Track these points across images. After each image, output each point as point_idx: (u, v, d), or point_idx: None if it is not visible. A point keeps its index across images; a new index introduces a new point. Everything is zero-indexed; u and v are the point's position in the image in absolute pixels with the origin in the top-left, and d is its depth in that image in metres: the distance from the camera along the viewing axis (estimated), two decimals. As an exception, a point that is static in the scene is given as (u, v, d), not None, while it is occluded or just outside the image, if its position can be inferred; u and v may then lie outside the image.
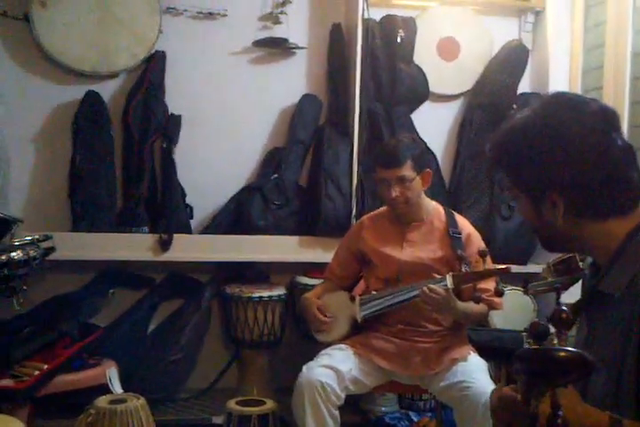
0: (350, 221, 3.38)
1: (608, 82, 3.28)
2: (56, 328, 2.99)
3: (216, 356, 3.59)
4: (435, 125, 3.75)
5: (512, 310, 3.17)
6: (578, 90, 3.55)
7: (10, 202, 3.38)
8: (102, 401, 2.53)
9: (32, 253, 2.54)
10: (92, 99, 3.40)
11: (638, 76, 3.17)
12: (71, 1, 3.34)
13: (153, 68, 3.44)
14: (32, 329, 2.93)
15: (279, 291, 3.41)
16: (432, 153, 3.53)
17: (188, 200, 3.49)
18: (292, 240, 3.45)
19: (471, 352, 2.58)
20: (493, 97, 3.67)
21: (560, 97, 1.31)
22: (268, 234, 3.43)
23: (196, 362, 3.48)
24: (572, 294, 1.59)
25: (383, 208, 2.77)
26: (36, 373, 2.78)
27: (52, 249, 2.75)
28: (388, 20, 3.58)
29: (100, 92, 3.43)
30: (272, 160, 3.61)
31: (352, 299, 2.67)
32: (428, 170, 2.63)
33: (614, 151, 1.25)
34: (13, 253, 2.45)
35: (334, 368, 2.46)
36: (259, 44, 3.57)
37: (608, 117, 1.27)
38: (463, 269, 2.40)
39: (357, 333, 2.66)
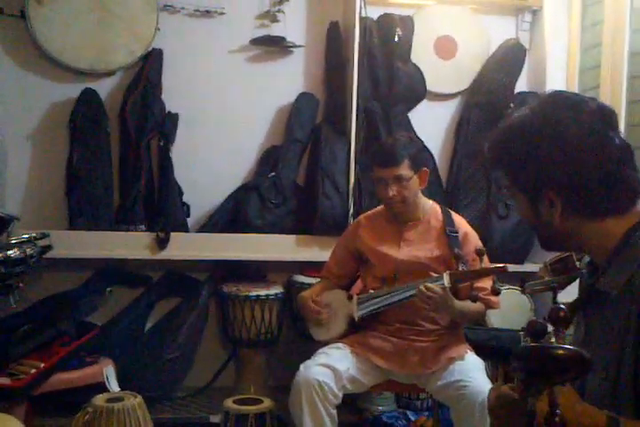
0: (347, 220, 3.38)
1: (605, 81, 3.28)
2: (53, 326, 2.98)
3: (213, 354, 3.59)
4: (432, 124, 3.75)
5: (509, 309, 3.17)
6: (575, 89, 3.55)
7: (7, 200, 3.38)
8: (99, 399, 2.53)
9: (29, 251, 2.54)
10: (89, 96, 3.40)
11: (635, 76, 3.17)
12: (68, -2, 3.34)
13: (150, 66, 3.44)
14: (29, 327, 2.93)
15: (276, 290, 3.41)
16: (429, 152, 3.53)
17: (185, 198, 3.49)
18: (290, 239, 3.45)
19: (468, 351, 2.59)
20: (491, 96, 3.67)
21: (558, 96, 1.32)
22: (266, 233, 3.43)
23: (193, 361, 3.48)
24: (569, 293, 1.60)
25: (380, 207, 2.77)
26: (33, 371, 2.78)
27: (48, 247, 2.75)
28: (386, 19, 3.58)
29: (97, 89, 3.43)
30: (269, 159, 3.61)
31: (349, 298, 2.67)
32: (425, 169, 2.63)
33: (612, 150, 1.25)
34: (10, 251, 2.45)
35: (332, 367, 2.47)
36: (256, 42, 3.56)
37: (606, 116, 1.27)
38: (460, 268, 2.41)
39: (355, 331, 2.67)
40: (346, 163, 3.48)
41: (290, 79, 3.65)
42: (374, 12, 3.56)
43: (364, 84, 3.48)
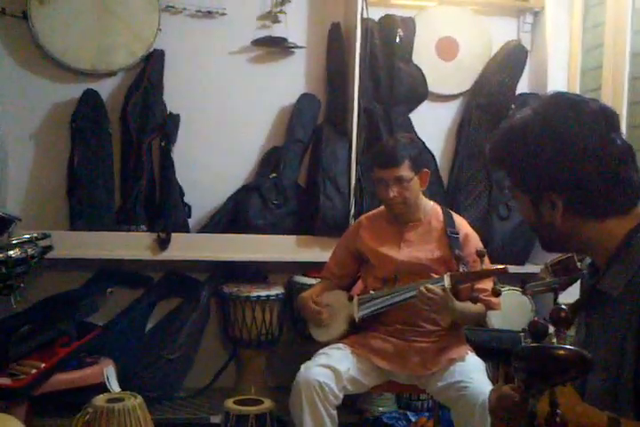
0: (348, 221, 3.38)
1: (607, 82, 3.28)
2: (54, 327, 2.98)
3: (214, 355, 3.58)
4: (433, 125, 3.75)
5: (510, 311, 3.17)
6: (576, 90, 3.55)
7: (8, 200, 3.38)
8: (100, 400, 2.53)
9: (30, 251, 2.54)
10: (90, 97, 3.40)
11: (637, 77, 3.17)
12: (70, -1, 3.34)
13: (151, 67, 3.44)
14: (30, 327, 2.92)
15: (277, 290, 3.41)
16: (430, 153, 3.53)
17: (186, 199, 3.49)
18: (290, 239, 3.45)
19: (469, 352, 2.58)
20: (492, 97, 3.68)
21: (560, 97, 1.32)
22: (266, 233, 3.43)
23: (193, 361, 3.48)
24: (570, 295, 1.60)
25: (381, 208, 2.77)
26: (34, 371, 2.78)
27: (49, 248, 2.75)
28: (387, 20, 3.58)
29: (98, 90, 3.43)
30: (270, 159, 3.61)
31: (350, 298, 2.67)
32: (426, 170, 2.63)
33: (613, 151, 1.25)
34: (11, 252, 2.45)
35: (332, 368, 2.46)
36: (257, 43, 3.56)
37: (608, 117, 1.27)
38: (461, 269, 2.41)
39: (355, 332, 2.66)
40: (347, 163, 3.48)
41: (291, 80, 3.65)
42: (376, 14, 3.56)
43: (365, 84, 3.48)
